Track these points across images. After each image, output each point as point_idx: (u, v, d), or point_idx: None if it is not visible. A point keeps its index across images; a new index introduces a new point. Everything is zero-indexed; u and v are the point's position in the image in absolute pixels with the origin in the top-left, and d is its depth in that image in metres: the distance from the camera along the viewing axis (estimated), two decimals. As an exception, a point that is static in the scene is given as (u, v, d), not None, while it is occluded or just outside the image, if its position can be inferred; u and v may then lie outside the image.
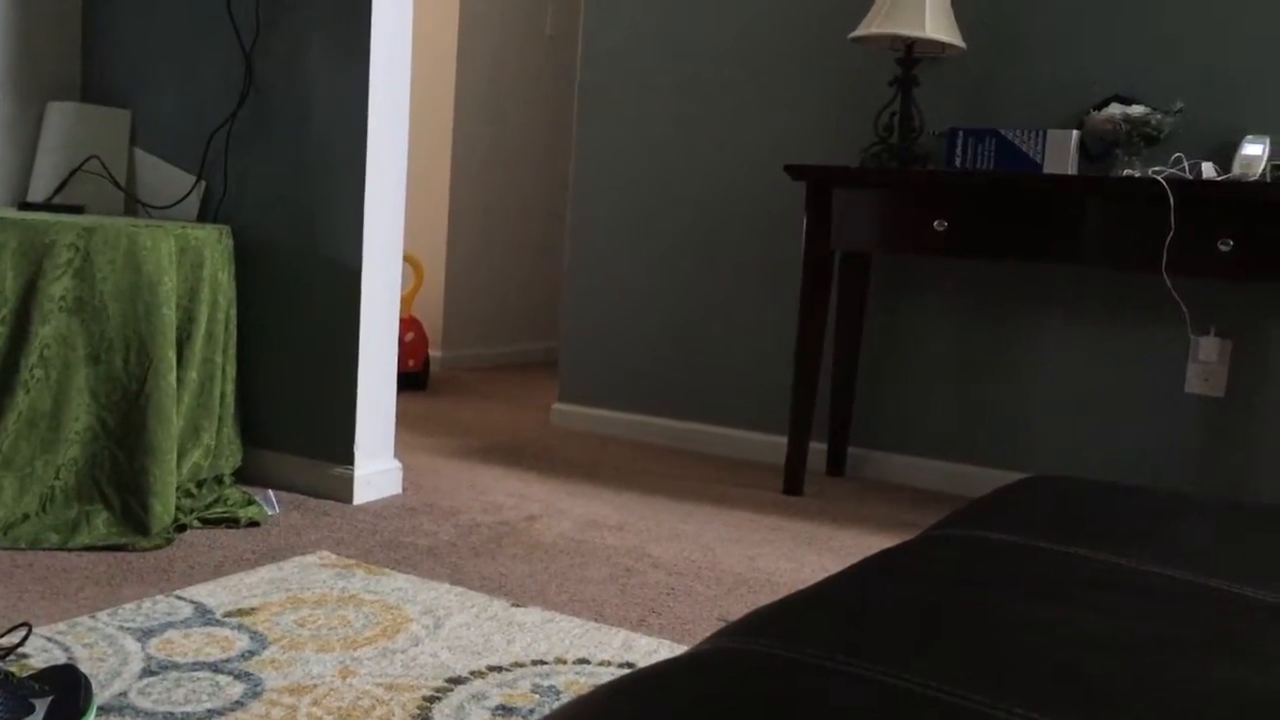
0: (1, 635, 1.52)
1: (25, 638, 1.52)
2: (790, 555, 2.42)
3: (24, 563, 2.03)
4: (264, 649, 1.70)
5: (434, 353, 4.76)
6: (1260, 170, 2.56)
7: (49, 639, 1.67)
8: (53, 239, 2.20)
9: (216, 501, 2.41)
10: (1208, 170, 2.65)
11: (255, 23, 2.63)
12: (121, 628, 1.74)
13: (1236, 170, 2.58)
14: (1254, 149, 2.59)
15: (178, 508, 2.30)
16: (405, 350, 4.12)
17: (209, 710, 1.48)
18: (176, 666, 1.61)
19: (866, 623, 0.77)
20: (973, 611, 0.82)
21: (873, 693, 0.65)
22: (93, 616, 1.77)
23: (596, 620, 1.93)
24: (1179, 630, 0.81)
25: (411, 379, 4.20)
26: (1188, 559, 0.95)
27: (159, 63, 2.79)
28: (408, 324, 4.17)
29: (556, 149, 5.25)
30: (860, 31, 2.89)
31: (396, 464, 2.72)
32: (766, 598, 2.13)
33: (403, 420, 3.59)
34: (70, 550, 2.12)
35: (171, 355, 2.30)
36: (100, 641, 1.68)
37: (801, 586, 2.25)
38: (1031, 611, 0.83)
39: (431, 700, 1.56)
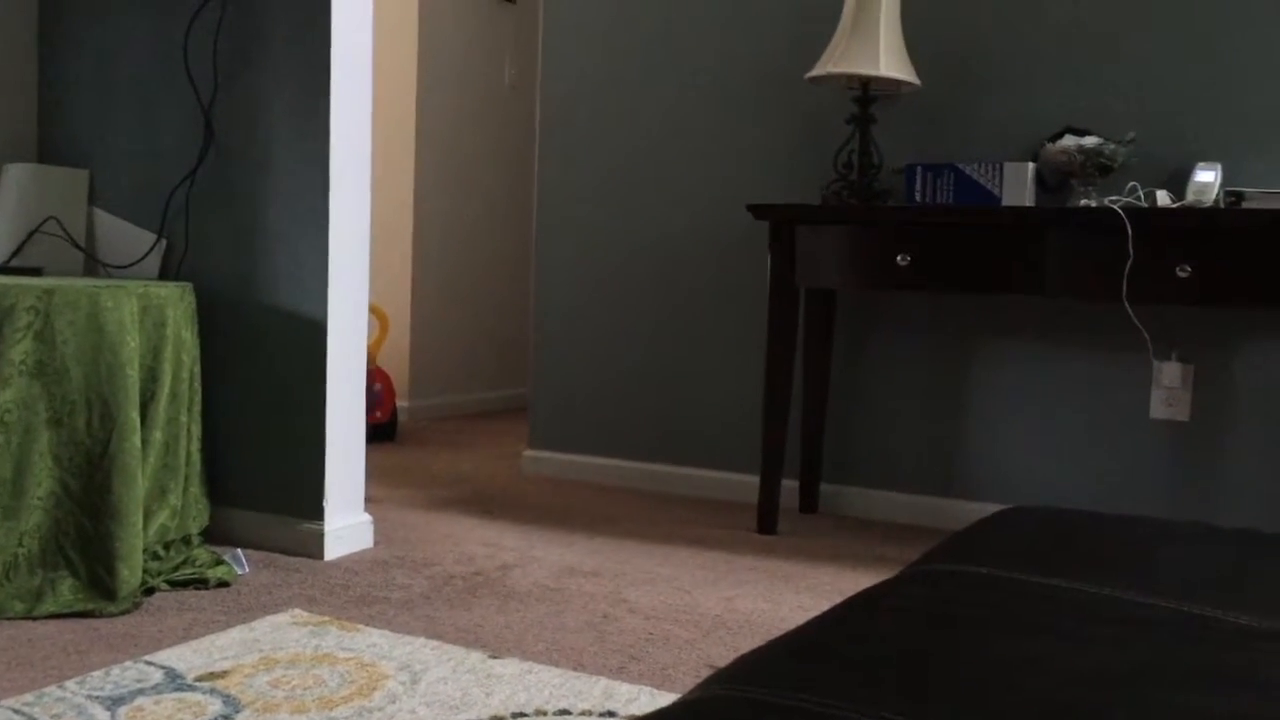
0: (-34, 710, 1.49)
1: (-9, 712, 1.48)
2: (768, 595, 2.41)
3: (-13, 633, 1.99)
4: (237, 713, 1.66)
5: (401, 403, 4.72)
6: (1213, 197, 2.60)
7: (15, 710, 1.62)
8: (12, 302, 2.17)
9: (184, 563, 2.37)
10: (1162, 198, 2.69)
11: (214, 79, 2.62)
12: (90, 696, 1.70)
13: (1190, 197, 2.62)
14: (1206, 176, 2.64)
15: (145, 570, 2.26)
16: (372, 401, 4.09)
17: (183, 779, 1.45)
18: (148, 735, 1.57)
19: (855, 665, 0.76)
20: (959, 649, 0.82)
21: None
22: (60, 686, 1.73)
23: (576, 669, 1.91)
24: (1167, 660, 0.81)
25: (379, 430, 4.17)
26: (1171, 587, 0.96)
27: (117, 121, 2.77)
28: (374, 375, 4.14)
29: (519, 196, 5.26)
30: (816, 71, 2.92)
31: (367, 517, 2.68)
32: (746, 639, 2.12)
33: (372, 472, 3.56)
34: (35, 619, 2.07)
35: (135, 416, 2.27)
36: (68, 712, 1.64)
37: (780, 626, 2.24)
38: (1018, 647, 0.83)
39: (412, 759, 1.53)
